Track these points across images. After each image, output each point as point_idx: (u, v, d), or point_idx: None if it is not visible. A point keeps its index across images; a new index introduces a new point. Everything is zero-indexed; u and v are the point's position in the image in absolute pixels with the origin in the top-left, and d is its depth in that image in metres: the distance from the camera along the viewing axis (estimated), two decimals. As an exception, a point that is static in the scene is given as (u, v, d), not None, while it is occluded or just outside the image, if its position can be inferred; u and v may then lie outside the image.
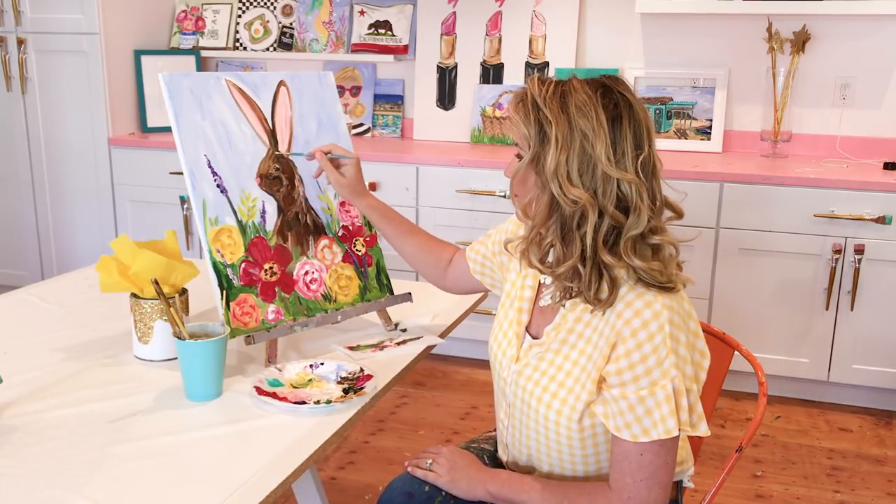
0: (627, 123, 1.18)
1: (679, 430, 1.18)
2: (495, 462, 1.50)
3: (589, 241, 1.18)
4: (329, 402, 1.35)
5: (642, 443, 1.19)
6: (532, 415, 1.32)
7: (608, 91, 1.19)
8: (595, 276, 1.20)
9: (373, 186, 3.25)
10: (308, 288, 1.61)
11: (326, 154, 1.62)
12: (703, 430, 1.21)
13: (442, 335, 1.70)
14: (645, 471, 1.20)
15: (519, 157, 1.25)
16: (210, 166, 1.52)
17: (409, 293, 1.76)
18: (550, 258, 1.28)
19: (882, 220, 2.76)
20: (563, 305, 1.29)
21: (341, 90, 3.81)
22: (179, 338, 1.35)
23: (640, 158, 1.18)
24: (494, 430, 1.53)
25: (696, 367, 1.21)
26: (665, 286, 1.19)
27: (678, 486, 1.44)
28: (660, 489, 1.21)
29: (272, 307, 1.54)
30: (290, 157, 1.65)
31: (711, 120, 3.35)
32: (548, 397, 1.28)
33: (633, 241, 1.18)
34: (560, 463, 1.33)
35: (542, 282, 1.37)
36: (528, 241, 1.25)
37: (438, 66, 3.65)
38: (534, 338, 1.35)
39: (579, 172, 1.17)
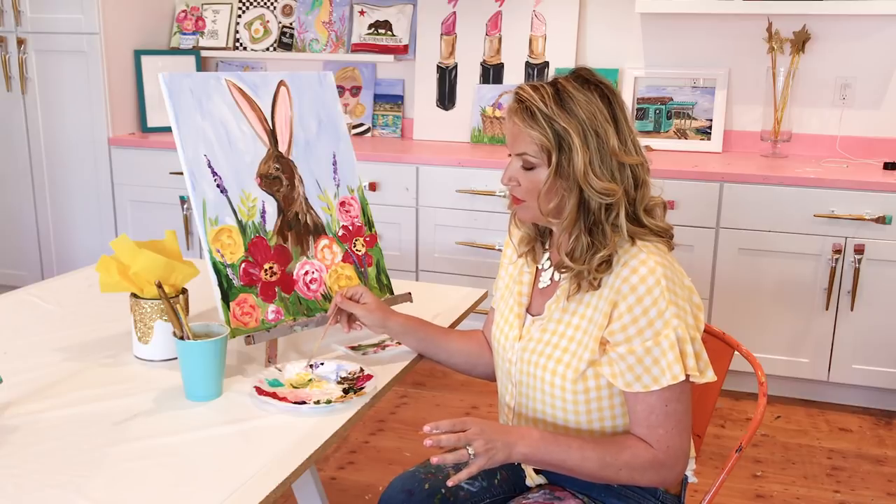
0: (619, 110, 1.29)
1: (686, 374, 1.24)
2: (489, 471, 1.45)
3: (624, 224, 1.27)
4: (329, 402, 1.35)
5: (662, 392, 1.24)
6: (537, 385, 1.35)
7: (594, 85, 1.28)
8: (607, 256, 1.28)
9: (373, 186, 3.25)
10: (308, 288, 1.61)
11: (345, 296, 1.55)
12: (709, 376, 1.28)
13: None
14: (672, 419, 1.26)
15: (526, 165, 1.29)
16: (210, 166, 1.52)
17: (409, 293, 1.76)
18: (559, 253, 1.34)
19: (882, 220, 2.76)
20: (563, 280, 1.35)
21: (341, 90, 3.81)
22: (181, 338, 1.35)
23: (635, 139, 1.30)
24: None
25: (695, 319, 1.28)
26: (666, 237, 1.31)
27: (683, 483, 1.44)
28: (688, 434, 1.29)
29: (272, 307, 1.54)
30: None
31: (711, 120, 3.35)
32: (552, 364, 1.32)
33: (644, 211, 1.30)
34: (566, 428, 1.35)
35: (539, 267, 1.43)
36: (559, 243, 1.34)
37: (438, 66, 3.65)
38: (535, 316, 1.40)
39: (601, 167, 1.26)
